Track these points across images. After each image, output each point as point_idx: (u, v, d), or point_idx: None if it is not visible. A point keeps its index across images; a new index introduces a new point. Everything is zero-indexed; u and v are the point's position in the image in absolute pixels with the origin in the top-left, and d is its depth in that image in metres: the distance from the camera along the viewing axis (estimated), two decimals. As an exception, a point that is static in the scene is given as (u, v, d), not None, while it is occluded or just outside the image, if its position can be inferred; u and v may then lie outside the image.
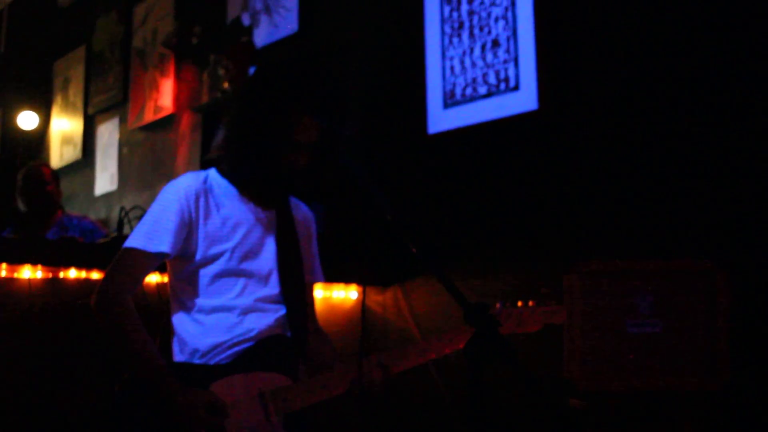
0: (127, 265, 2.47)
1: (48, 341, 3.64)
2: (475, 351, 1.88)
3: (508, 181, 4.25)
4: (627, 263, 3.22)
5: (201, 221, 2.50)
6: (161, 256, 2.48)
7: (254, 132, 2.46)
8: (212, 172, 2.63)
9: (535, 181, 4.12)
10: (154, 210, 2.51)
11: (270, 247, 2.58)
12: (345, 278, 4.51)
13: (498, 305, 2.65)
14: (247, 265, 2.53)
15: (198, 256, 2.50)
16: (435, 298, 4.45)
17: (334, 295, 4.53)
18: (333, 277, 4.45)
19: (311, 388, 2.46)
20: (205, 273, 2.51)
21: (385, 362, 2.49)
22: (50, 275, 3.73)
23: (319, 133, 2.45)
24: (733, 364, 3.08)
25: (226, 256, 2.50)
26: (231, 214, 2.54)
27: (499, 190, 4.29)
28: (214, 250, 2.50)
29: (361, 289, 4.57)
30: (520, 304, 2.64)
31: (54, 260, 3.75)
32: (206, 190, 2.54)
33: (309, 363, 2.66)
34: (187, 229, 2.49)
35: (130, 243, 2.48)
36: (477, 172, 4.42)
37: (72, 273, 3.76)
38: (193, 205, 2.50)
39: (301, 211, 2.77)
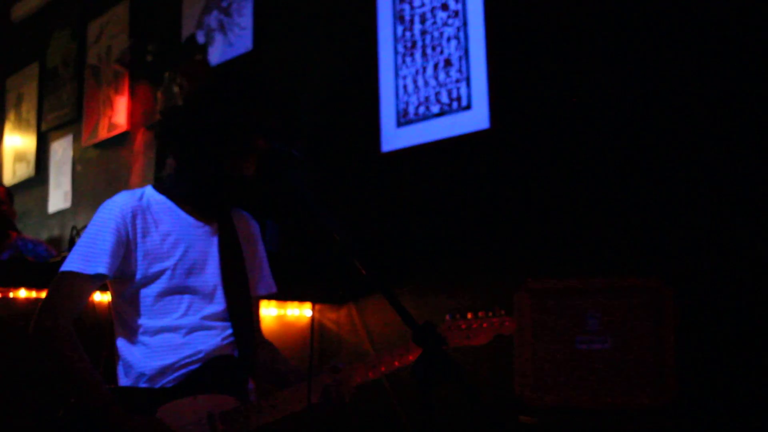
0: (64, 289, 2.41)
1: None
2: (423, 371, 1.90)
3: (460, 199, 4.28)
4: (576, 281, 3.26)
5: (139, 239, 2.45)
6: (99, 277, 2.42)
7: (206, 134, 2.43)
8: (149, 189, 2.58)
9: (486, 200, 4.16)
10: (90, 231, 2.45)
11: (213, 262, 2.54)
12: (299, 296, 4.51)
13: (447, 317, 2.64)
14: (190, 282, 2.48)
15: (138, 276, 2.45)
16: (389, 315, 4.41)
17: (289, 313, 4.53)
18: (287, 295, 4.45)
19: (261, 409, 2.42)
20: (148, 293, 2.46)
21: (340, 378, 2.48)
22: (0, 295, 3.69)
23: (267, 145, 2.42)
24: (680, 380, 3.12)
25: (168, 274, 2.46)
26: (170, 230, 2.50)
27: (450, 208, 4.32)
28: (154, 269, 2.45)
29: (315, 307, 4.57)
30: (470, 315, 2.64)
31: (4, 280, 3.71)
32: (143, 208, 2.50)
33: (271, 379, 2.64)
34: (125, 249, 2.44)
35: (66, 266, 2.42)
36: (429, 190, 4.45)
37: (22, 293, 3.72)
38: (130, 223, 2.45)
39: (244, 221, 2.73)
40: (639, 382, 3.16)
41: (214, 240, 2.57)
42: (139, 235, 2.46)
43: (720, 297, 3.35)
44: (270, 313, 4.41)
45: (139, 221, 2.47)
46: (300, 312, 4.56)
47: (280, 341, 2.84)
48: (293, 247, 4.46)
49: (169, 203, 2.55)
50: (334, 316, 4.77)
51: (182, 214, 2.55)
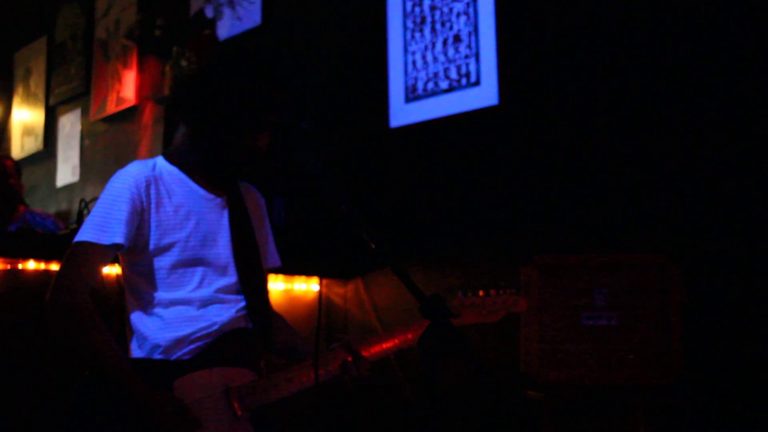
0: (80, 260, 2.37)
1: (5, 333, 3.60)
2: (429, 343, 1.90)
3: (468, 175, 4.28)
4: (582, 257, 3.26)
5: (153, 209, 2.42)
6: (115, 247, 2.39)
7: (222, 104, 2.40)
8: (160, 160, 2.55)
9: (494, 176, 4.16)
10: (104, 201, 2.42)
11: (224, 235, 2.52)
12: (306, 271, 4.52)
13: (460, 294, 2.64)
14: (203, 254, 2.46)
15: (151, 247, 2.42)
16: (396, 290, 4.46)
17: (296, 288, 4.54)
18: (294, 269, 4.46)
19: (277, 383, 2.41)
20: (161, 265, 2.43)
21: (357, 348, 2.47)
22: (8, 266, 3.70)
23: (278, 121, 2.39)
24: (686, 357, 3.13)
25: (180, 245, 2.43)
26: (183, 201, 2.48)
27: (459, 184, 4.33)
28: (166, 240, 2.43)
29: (322, 281, 4.58)
30: (481, 293, 2.63)
31: (12, 252, 3.72)
32: (156, 178, 2.47)
33: (284, 352, 2.63)
34: (139, 218, 2.41)
35: (81, 237, 2.38)
36: (438, 165, 4.45)
37: (31, 264, 3.73)
38: (144, 193, 2.42)
39: (251, 194, 2.71)
40: (644, 359, 3.17)
41: (225, 213, 2.55)
42: (153, 205, 2.43)
43: (726, 275, 3.35)
44: (277, 287, 4.43)
45: (152, 191, 2.44)
46: (307, 286, 4.57)
47: (287, 316, 2.83)
48: (301, 221, 4.47)
49: (181, 174, 2.53)
50: (341, 291, 4.78)
51: (194, 186, 2.53)
